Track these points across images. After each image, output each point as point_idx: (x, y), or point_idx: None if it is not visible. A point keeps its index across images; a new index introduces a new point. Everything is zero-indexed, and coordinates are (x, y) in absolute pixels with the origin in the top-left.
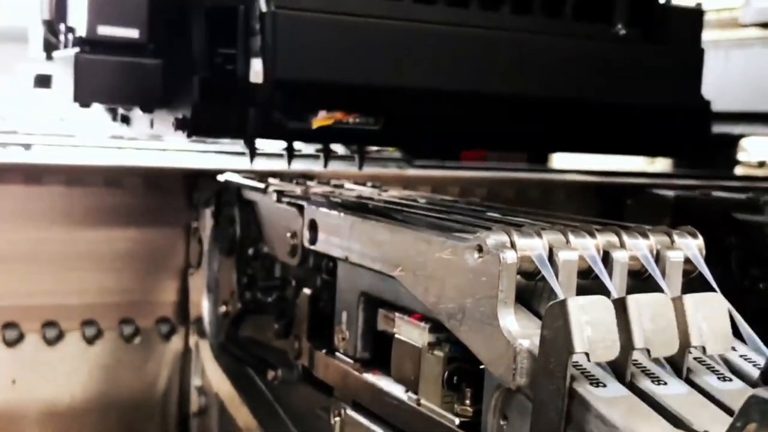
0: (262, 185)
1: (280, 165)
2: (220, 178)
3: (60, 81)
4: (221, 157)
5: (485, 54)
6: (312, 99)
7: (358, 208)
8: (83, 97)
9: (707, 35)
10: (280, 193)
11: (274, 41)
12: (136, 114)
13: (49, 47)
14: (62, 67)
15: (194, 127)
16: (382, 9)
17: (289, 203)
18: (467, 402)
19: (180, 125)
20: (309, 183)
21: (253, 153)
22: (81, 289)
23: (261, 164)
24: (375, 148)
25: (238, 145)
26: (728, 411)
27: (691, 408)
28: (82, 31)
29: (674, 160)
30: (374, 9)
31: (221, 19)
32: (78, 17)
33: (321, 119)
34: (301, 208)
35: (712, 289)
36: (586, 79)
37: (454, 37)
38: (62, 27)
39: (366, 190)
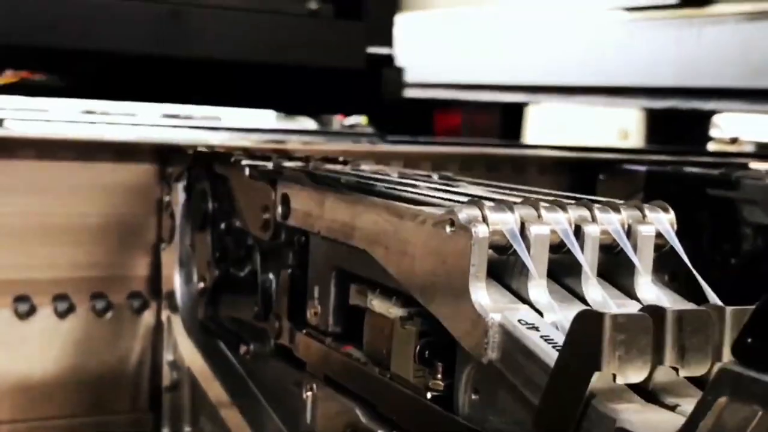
0: (234, 159)
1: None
2: (192, 152)
3: None
4: (194, 132)
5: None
6: None
7: (331, 182)
8: None
9: (679, 12)
10: (253, 167)
11: None
12: None
13: None
14: None
15: None
16: None
17: (261, 177)
18: (439, 376)
19: None
20: (281, 158)
21: None
22: (52, 264)
23: (235, 138)
24: (347, 123)
25: (212, 120)
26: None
27: (662, 382)
28: None
29: (647, 136)
30: None
31: None
32: None
33: (7, 77)
34: (273, 183)
35: (684, 264)
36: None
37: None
38: None
39: (338, 165)
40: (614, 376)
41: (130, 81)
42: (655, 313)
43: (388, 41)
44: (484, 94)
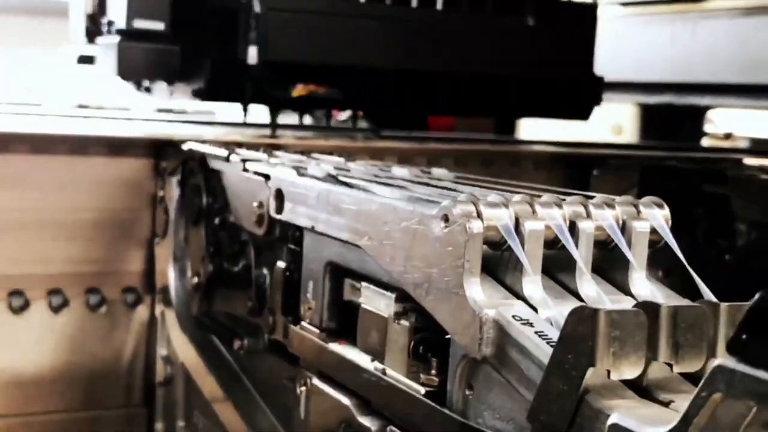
0: (228, 154)
1: (247, 133)
2: (187, 147)
3: (101, 60)
4: (188, 126)
5: (421, 38)
6: (291, 75)
7: (325, 177)
8: (124, 73)
9: (673, 8)
10: (246, 162)
11: (266, 33)
12: (158, 86)
13: (90, 34)
14: (104, 50)
15: (207, 95)
16: (342, 7)
17: (255, 172)
18: (433, 372)
19: (197, 94)
20: (275, 152)
21: (246, 112)
22: (47, 258)
23: (228, 134)
24: (343, 118)
25: (205, 115)
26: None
27: (656, 377)
28: (121, 24)
29: (641, 132)
30: (336, 7)
31: (227, 16)
32: (117, 12)
33: (299, 90)
34: (267, 178)
35: (678, 260)
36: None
37: (398, 28)
38: (103, 19)
39: (333, 160)
40: (608, 372)
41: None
42: (649, 309)
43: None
44: None
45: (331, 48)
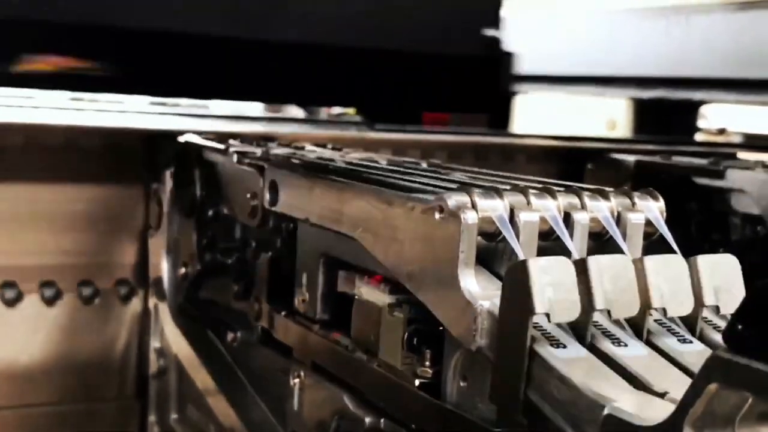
0: (222, 146)
1: (242, 126)
2: (181, 139)
3: None
4: (182, 119)
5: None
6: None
7: (319, 169)
8: None
9: (668, 1)
10: (241, 154)
11: None
12: None
13: None
14: None
15: None
16: None
17: (249, 164)
18: (427, 363)
19: None
20: (269, 144)
21: None
22: (40, 250)
23: (222, 125)
24: (336, 111)
25: (199, 108)
26: (689, 373)
27: (652, 369)
28: None
29: (635, 126)
30: None
31: None
32: None
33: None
34: (261, 169)
35: (674, 252)
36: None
37: None
38: None
39: (327, 152)
40: (548, 316)
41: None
42: (578, 261)
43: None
44: None
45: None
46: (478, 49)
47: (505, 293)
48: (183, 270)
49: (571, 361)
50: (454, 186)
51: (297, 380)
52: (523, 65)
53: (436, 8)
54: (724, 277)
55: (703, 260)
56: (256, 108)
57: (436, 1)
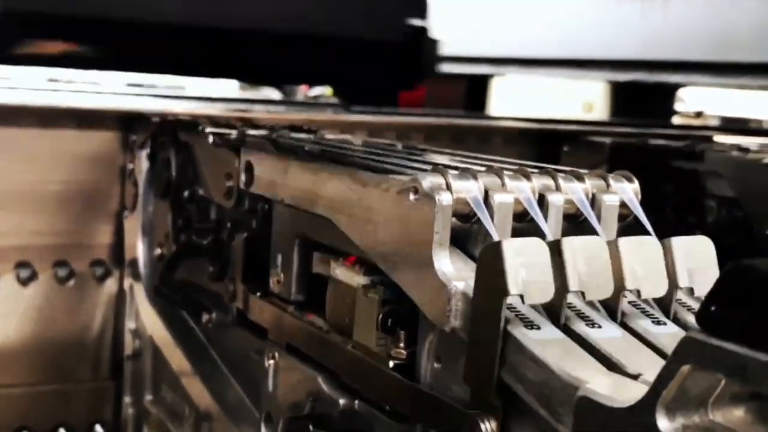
0: (198, 127)
1: (217, 108)
2: (156, 120)
3: None
4: (158, 100)
5: None
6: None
7: (295, 150)
8: None
9: None
10: (217, 136)
11: None
12: None
13: None
14: None
15: None
16: None
17: (225, 145)
18: (401, 345)
19: None
20: (245, 126)
21: None
22: (15, 231)
23: (198, 107)
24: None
25: (175, 89)
26: (662, 354)
27: (626, 351)
28: None
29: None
30: None
31: None
32: None
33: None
34: (237, 150)
35: (648, 234)
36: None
37: None
38: None
39: (302, 134)
40: (522, 297)
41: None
42: (552, 244)
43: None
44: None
45: None
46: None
47: (479, 274)
48: (158, 251)
49: (545, 342)
50: (428, 167)
51: (272, 361)
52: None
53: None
54: (698, 259)
55: (678, 242)
56: (232, 89)
57: None
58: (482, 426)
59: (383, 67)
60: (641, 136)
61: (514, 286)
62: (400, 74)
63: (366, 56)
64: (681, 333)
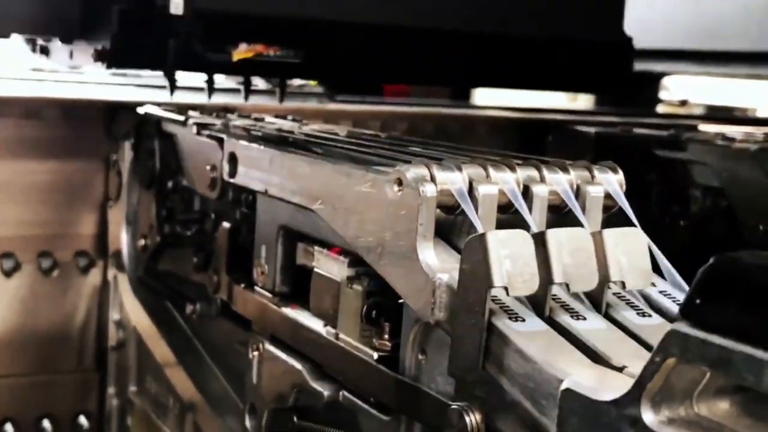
0: (182, 118)
1: (201, 98)
2: (140, 110)
3: None
4: (141, 90)
5: None
6: (232, 31)
7: (279, 141)
8: (2, 27)
9: None
10: (200, 126)
11: None
12: (56, 45)
13: None
14: None
15: (113, 58)
16: None
17: (209, 136)
18: (386, 336)
19: (99, 56)
20: (229, 116)
21: (173, 85)
22: None
23: (182, 97)
24: (297, 82)
25: (159, 78)
26: (647, 346)
27: (610, 343)
28: None
29: (597, 98)
30: None
31: None
32: None
33: (242, 51)
34: (221, 141)
35: (633, 225)
36: (508, 12)
37: None
38: None
39: (287, 124)
40: (506, 289)
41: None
42: (537, 235)
43: None
44: None
45: None
46: None
47: (463, 266)
48: (142, 242)
49: (529, 334)
50: (413, 159)
51: (256, 353)
52: None
53: None
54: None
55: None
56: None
57: None
58: (466, 418)
59: (591, 67)
60: (626, 125)
61: (498, 277)
62: (605, 73)
63: (579, 56)
64: (666, 325)
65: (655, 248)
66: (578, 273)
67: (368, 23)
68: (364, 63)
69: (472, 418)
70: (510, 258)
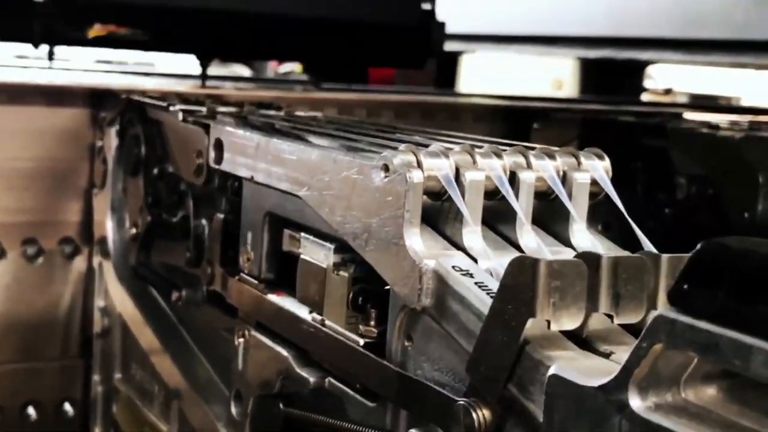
0: (167, 104)
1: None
2: (126, 97)
3: None
4: (127, 77)
5: None
6: (86, 14)
7: (264, 128)
8: None
9: None
10: (186, 113)
11: None
12: None
13: None
14: None
15: None
16: None
17: (194, 122)
18: (372, 323)
19: None
20: (215, 103)
21: (51, 56)
22: None
23: (169, 83)
24: (282, 70)
25: (144, 66)
26: (635, 333)
27: (597, 329)
28: None
29: (581, 86)
30: None
31: None
32: None
33: (97, 30)
34: (206, 127)
35: (618, 212)
36: None
37: None
38: None
39: (272, 111)
40: (548, 322)
41: (199, 36)
42: (590, 259)
43: None
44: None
45: None
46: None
47: (505, 282)
48: (133, 230)
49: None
50: (399, 145)
51: (242, 340)
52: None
53: None
54: None
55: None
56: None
57: None
58: (473, 414)
59: (398, 48)
60: (611, 113)
61: (542, 311)
62: (413, 55)
63: (386, 39)
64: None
65: (642, 236)
66: (626, 305)
67: (191, 7)
68: (187, 42)
69: (480, 415)
70: (559, 291)
